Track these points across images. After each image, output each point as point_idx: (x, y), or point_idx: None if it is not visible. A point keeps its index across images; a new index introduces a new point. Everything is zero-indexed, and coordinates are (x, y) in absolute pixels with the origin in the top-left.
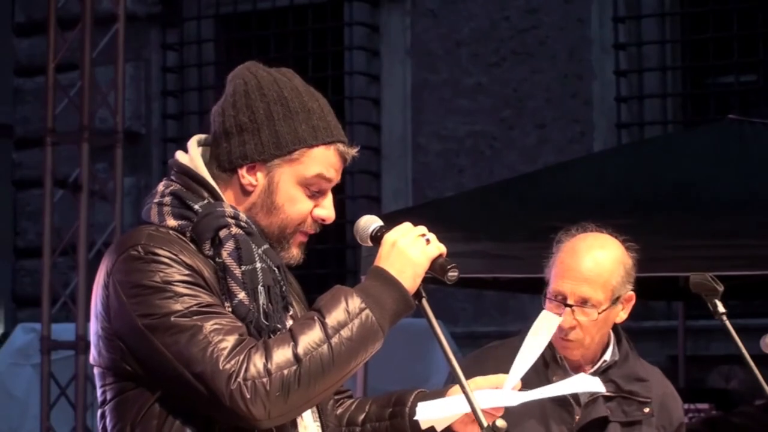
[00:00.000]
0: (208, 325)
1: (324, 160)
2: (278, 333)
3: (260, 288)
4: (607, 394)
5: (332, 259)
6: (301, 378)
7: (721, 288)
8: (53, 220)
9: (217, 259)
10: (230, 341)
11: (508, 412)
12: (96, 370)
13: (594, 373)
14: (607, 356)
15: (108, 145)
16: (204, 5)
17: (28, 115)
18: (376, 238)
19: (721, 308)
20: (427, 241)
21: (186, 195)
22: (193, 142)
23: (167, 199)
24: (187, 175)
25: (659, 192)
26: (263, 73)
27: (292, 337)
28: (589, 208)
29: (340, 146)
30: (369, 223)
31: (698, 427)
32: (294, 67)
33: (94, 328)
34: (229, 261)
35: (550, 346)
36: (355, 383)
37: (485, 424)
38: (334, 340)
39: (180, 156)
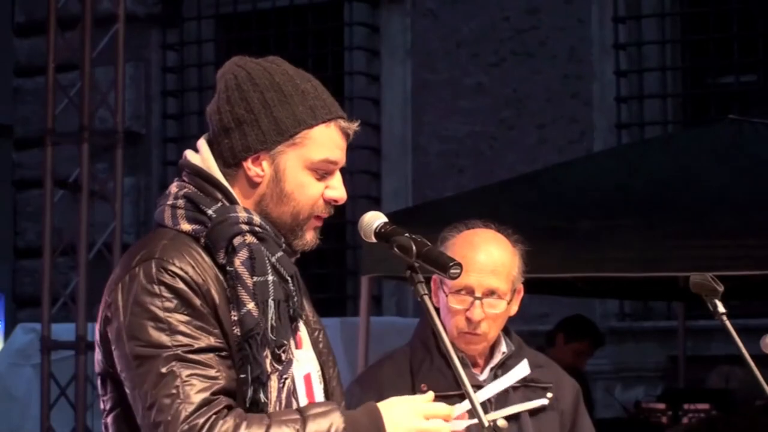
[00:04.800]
0: (185, 374)
1: (327, 140)
2: (283, 348)
3: (270, 302)
4: (513, 384)
5: (332, 259)
6: None
7: (721, 288)
8: (53, 220)
9: (228, 268)
10: (198, 399)
11: None
12: (98, 378)
13: (495, 366)
14: (504, 348)
15: (108, 145)
16: (204, 5)
17: (28, 115)
18: (380, 234)
19: (721, 308)
20: None
21: (199, 198)
22: (203, 142)
23: (181, 202)
24: (200, 176)
25: (659, 192)
26: (251, 64)
27: (268, 427)
28: (589, 208)
29: (341, 122)
30: (373, 219)
31: (698, 427)
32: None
33: (95, 334)
34: (242, 270)
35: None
36: None
37: (486, 424)
38: None
39: (191, 156)
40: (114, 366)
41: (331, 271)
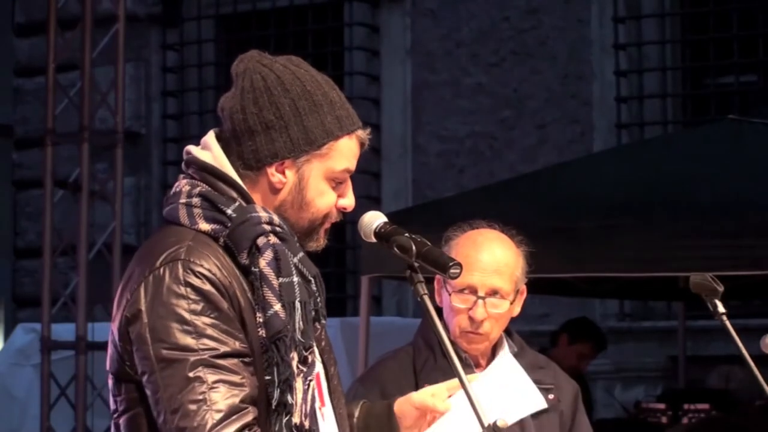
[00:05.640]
0: (211, 380)
1: (348, 151)
2: (310, 349)
3: (297, 303)
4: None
5: (332, 259)
6: None
7: (721, 288)
8: (53, 220)
9: (252, 268)
10: (225, 406)
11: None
12: (110, 379)
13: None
14: (506, 348)
15: (108, 145)
16: (204, 5)
17: (28, 115)
18: (380, 234)
19: (721, 308)
20: None
21: (216, 197)
22: (213, 140)
23: (196, 201)
24: (213, 174)
25: (659, 192)
26: (279, 66)
27: None
28: (589, 208)
29: (360, 132)
30: (373, 219)
31: (698, 427)
32: None
33: (111, 333)
34: (267, 270)
35: (454, 346)
36: None
37: (486, 423)
38: None
39: (199, 153)
40: (134, 366)
41: (331, 271)
